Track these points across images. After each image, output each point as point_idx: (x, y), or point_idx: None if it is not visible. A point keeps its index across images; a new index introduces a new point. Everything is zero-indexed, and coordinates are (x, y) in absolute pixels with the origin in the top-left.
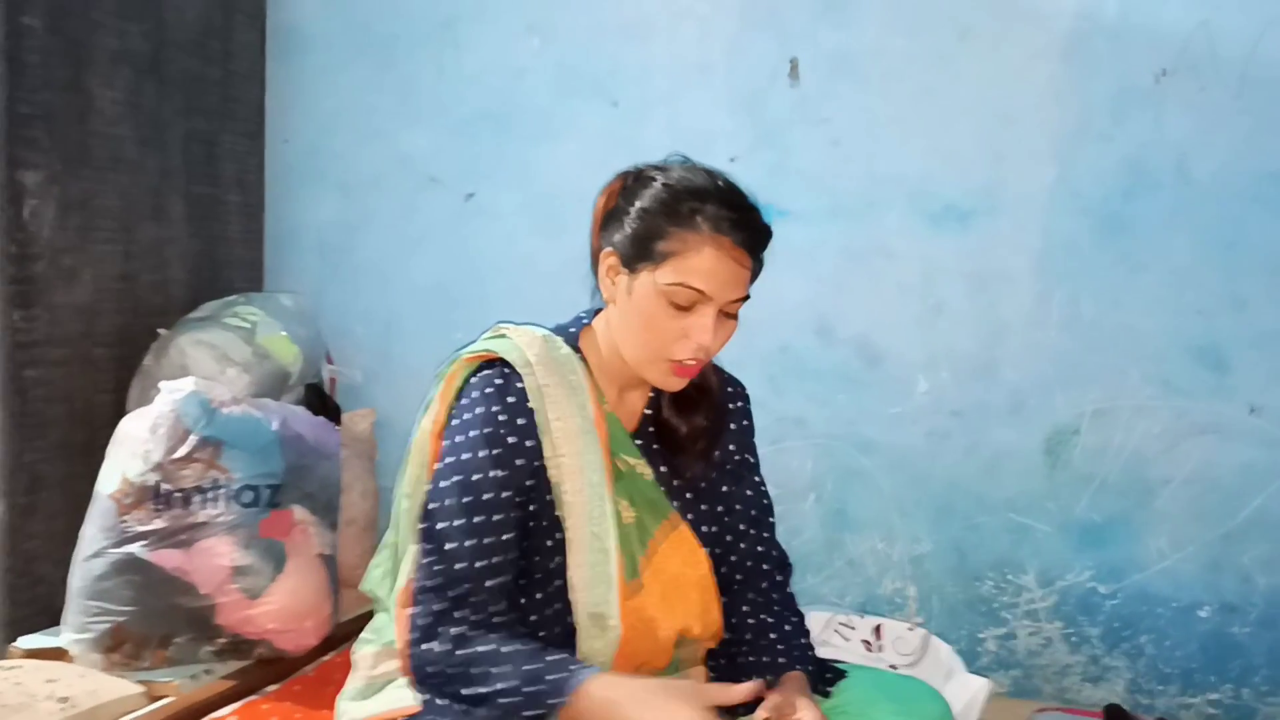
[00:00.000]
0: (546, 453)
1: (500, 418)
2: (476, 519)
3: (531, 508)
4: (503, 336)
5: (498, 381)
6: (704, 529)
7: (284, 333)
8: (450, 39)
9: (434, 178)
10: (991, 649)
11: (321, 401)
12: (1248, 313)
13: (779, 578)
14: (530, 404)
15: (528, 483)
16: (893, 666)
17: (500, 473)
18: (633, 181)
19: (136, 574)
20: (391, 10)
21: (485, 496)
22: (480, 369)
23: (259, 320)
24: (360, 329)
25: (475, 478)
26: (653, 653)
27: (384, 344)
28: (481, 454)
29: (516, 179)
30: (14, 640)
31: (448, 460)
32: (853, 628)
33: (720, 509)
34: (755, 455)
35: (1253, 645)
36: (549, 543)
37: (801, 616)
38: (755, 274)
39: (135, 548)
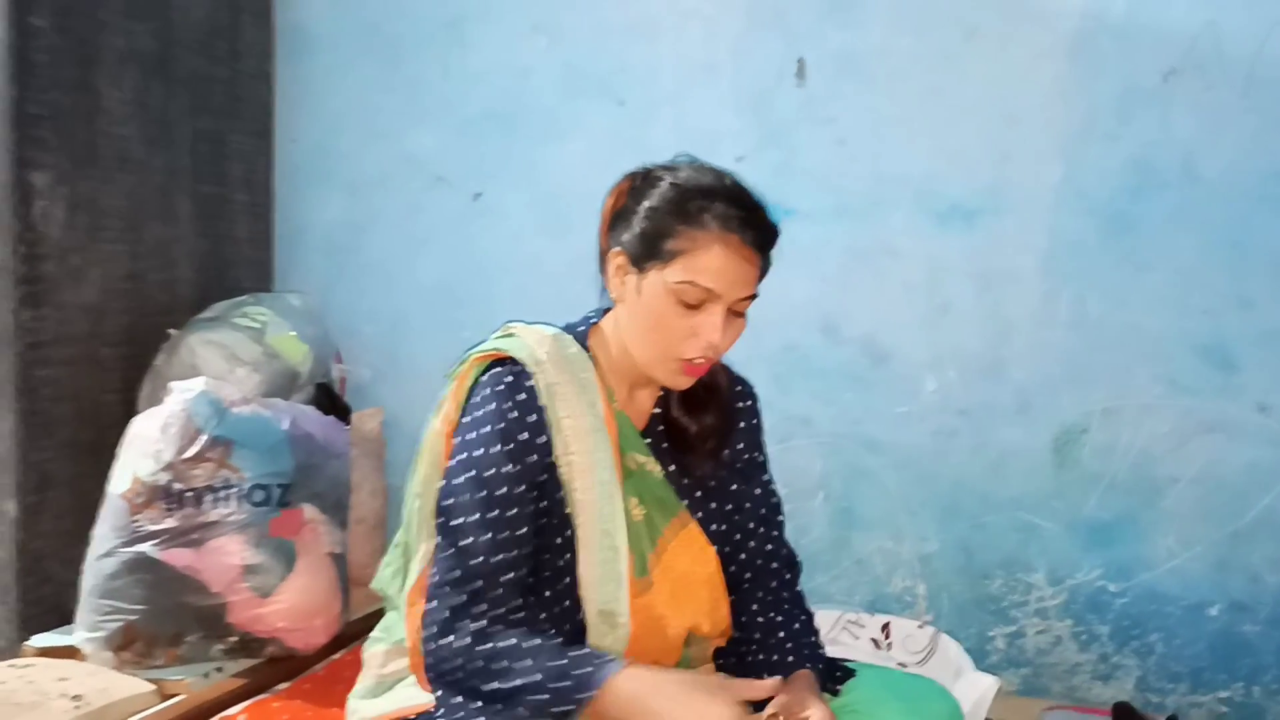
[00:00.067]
0: (557, 450)
1: (512, 415)
2: (491, 514)
3: (542, 504)
4: (512, 335)
5: (508, 379)
6: (713, 527)
7: (293, 332)
8: (456, 39)
9: (441, 177)
10: (1000, 647)
11: (331, 401)
12: (1255, 312)
13: (788, 576)
14: (541, 402)
15: (540, 478)
16: (901, 665)
17: (514, 468)
18: (641, 181)
19: (148, 573)
20: (398, 10)
21: (499, 492)
22: (490, 367)
23: (268, 320)
24: (367, 328)
25: (489, 473)
26: (662, 650)
27: (391, 343)
28: (495, 449)
29: (523, 178)
30: (26, 639)
31: (460, 457)
32: (862, 626)
33: (729, 508)
34: (764, 454)
35: (1262, 644)
36: (558, 540)
37: (810, 615)
38: (763, 272)
39: (146, 547)
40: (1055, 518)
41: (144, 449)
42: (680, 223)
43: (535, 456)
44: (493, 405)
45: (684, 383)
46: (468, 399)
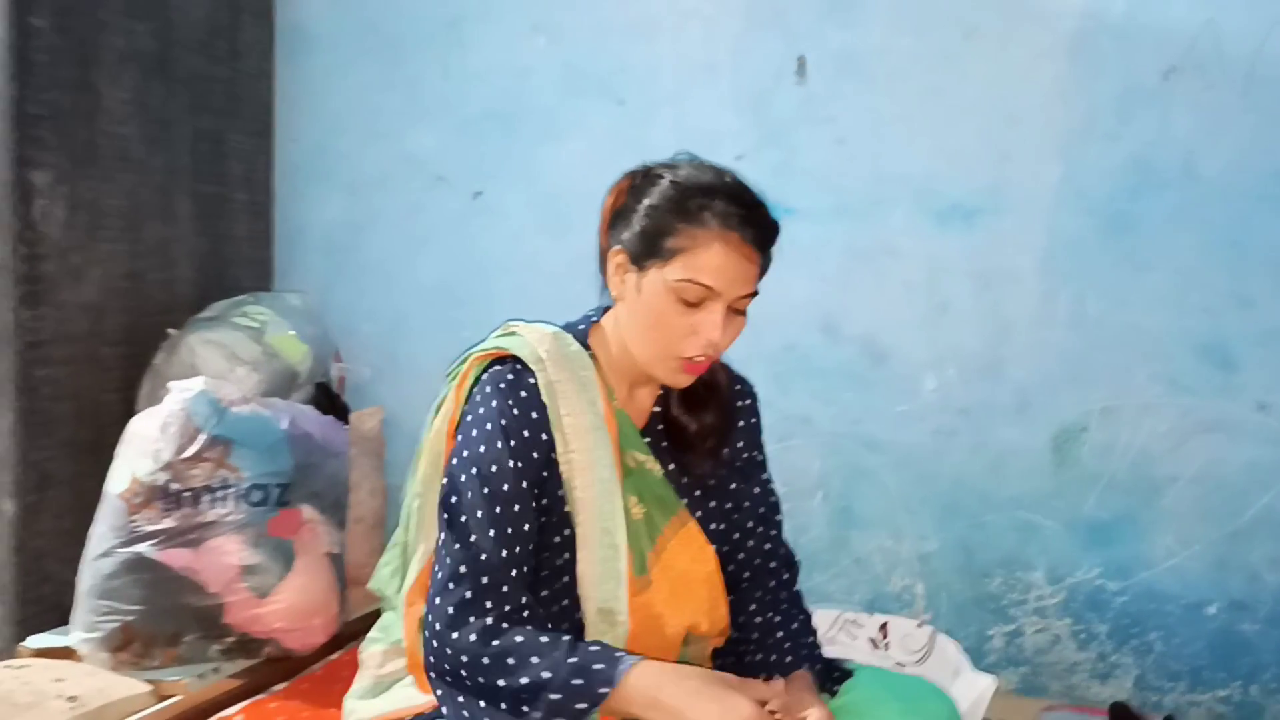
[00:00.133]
0: (558, 448)
1: (514, 412)
2: (496, 510)
3: (542, 502)
4: (513, 334)
5: (509, 378)
6: (712, 526)
7: (292, 332)
8: (456, 38)
9: (440, 177)
10: (999, 646)
11: (330, 400)
12: (1254, 311)
13: (786, 576)
14: (542, 399)
15: (541, 475)
16: (899, 665)
17: (517, 464)
18: (641, 180)
19: (145, 573)
20: (398, 10)
21: (503, 488)
22: (491, 366)
23: (268, 319)
24: (367, 328)
25: (493, 469)
26: (660, 649)
27: (390, 343)
28: (498, 446)
29: (522, 178)
30: (23, 639)
31: (463, 454)
32: (860, 625)
33: (728, 506)
34: (763, 453)
35: (1261, 643)
36: (557, 539)
37: (809, 615)
38: (764, 270)
39: (144, 547)
40: (1054, 517)
41: (142, 448)
42: (680, 221)
43: (537, 454)
44: (494, 403)
45: (684, 381)
46: (469, 398)
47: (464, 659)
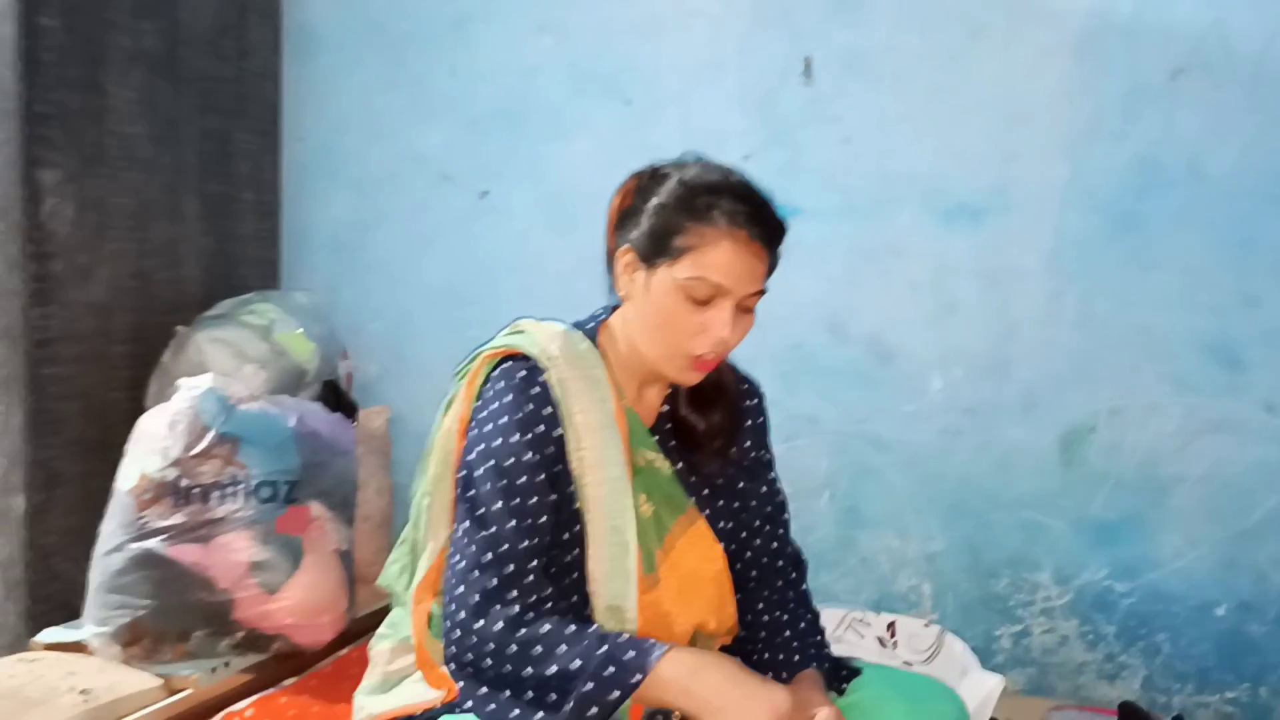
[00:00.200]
0: (569, 445)
1: (528, 407)
2: (515, 501)
3: (553, 498)
4: (523, 332)
5: (521, 374)
6: (720, 525)
7: (300, 330)
8: (462, 38)
9: (447, 176)
10: (1006, 646)
11: (337, 398)
12: (1261, 310)
13: (794, 575)
14: (554, 396)
15: (555, 470)
16: (907, 664)
17: (533, 457)
18: (649, 179)
19: (155, 569)
20: (404, 9)
21: (520, 480)
22: (501, 364)
23: (275, 318)
24: (373, 326)
25: (509, 462)
26: None
27: (397, 341)
28: (514, 439)
29: (529, 177)
30: (35, 634)
31: (479, 448)
32: (867, 625)
33: (736, 506)
34: (770, 453)
35: (1269, 644)
36: (566, 536)
37: (816, 614)
38: (772, 268)
39: (154, 543)
40: (1061, 517)
41: (151, 446)
42: (689, 219)
43: (552, 448)
44: (509, 398)
45: (693, 379)
46: (480, 395)
47: (489, 648)
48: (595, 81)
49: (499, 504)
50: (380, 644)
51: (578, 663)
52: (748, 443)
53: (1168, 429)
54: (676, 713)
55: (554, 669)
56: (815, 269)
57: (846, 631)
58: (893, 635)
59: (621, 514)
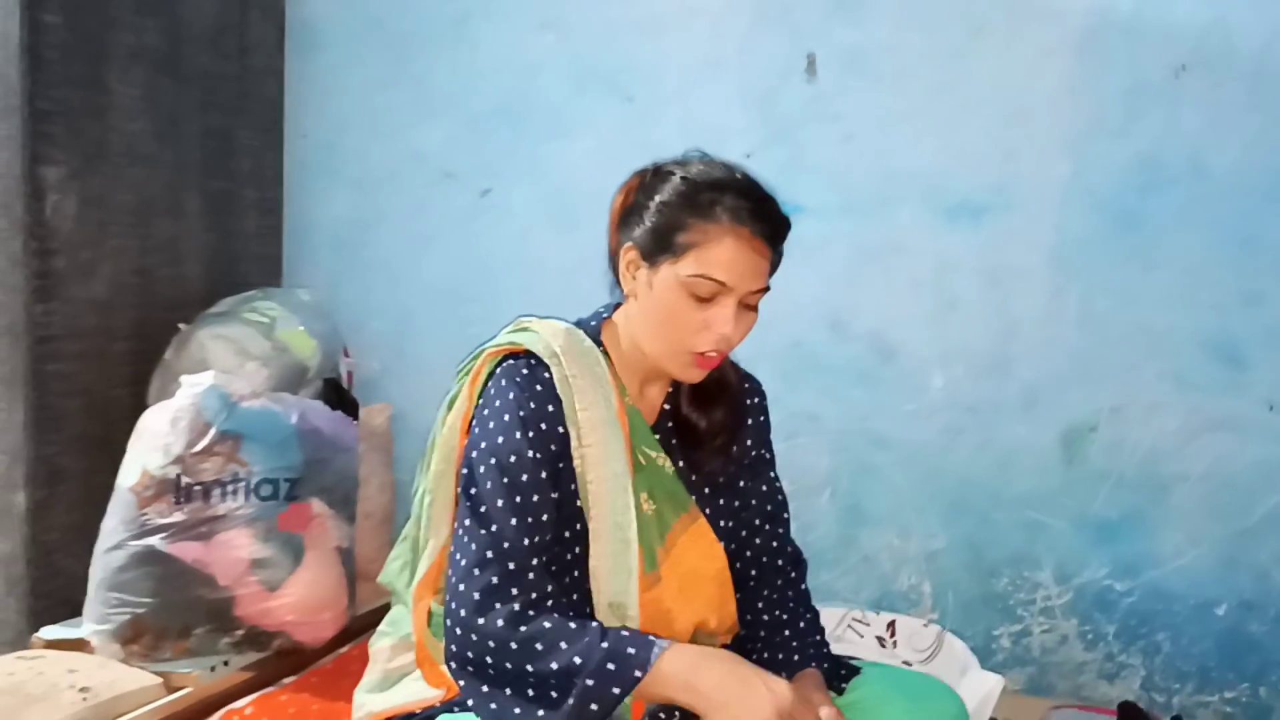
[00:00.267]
0: (573, 442)
1: (531, 405)
2: (517, 498)
3: (556, 495)
4: (526, 329)
5: (525, 372)
6: (721, 523)
7: (302, 327)
8: (464, 35)
9: (448, 173)
10: (1006, 645)
11: (339, 395)
12: (1263, 308)
13: (794, 574)
14: (558, 393)
15: (557, 467)
16: (907, 663)
17: (535, 455)
18: (651, 177)
19: (156, 566)
20: (406, 7)
21: (523, 478)
22: (504, 361)
23: (277, 315)
24: (375, 324)
25: (512, 459)
26: None
27: (398, 339)
28: (516, 437)
29: (530, 175)
30: (36, 631)
31: (483, 445)
32: (867, 624)
33: (737, 504)
34: (771, 451)
35: (1270, 643)
36: (568, 533)
37: (816, 613)
38: (774, 265)
39: (155, 540)
40: (1062, 515)
41: (153, 443)
42: (691, 216)
43: (554, 446)
44: (511, 395)
45: (696, 375)
46: (483, 392)
47: (491, 644)
48: (597, 79)
49: (500, 501)
50: (381, 641)
51: (579, 659)
52: (749, 441)
53: (1169, 427)
54: (678, 709)
55: (555, 665)
56: (816, 267)
57: (846, 630)
58: (892, 634)
59: (624, 511)
